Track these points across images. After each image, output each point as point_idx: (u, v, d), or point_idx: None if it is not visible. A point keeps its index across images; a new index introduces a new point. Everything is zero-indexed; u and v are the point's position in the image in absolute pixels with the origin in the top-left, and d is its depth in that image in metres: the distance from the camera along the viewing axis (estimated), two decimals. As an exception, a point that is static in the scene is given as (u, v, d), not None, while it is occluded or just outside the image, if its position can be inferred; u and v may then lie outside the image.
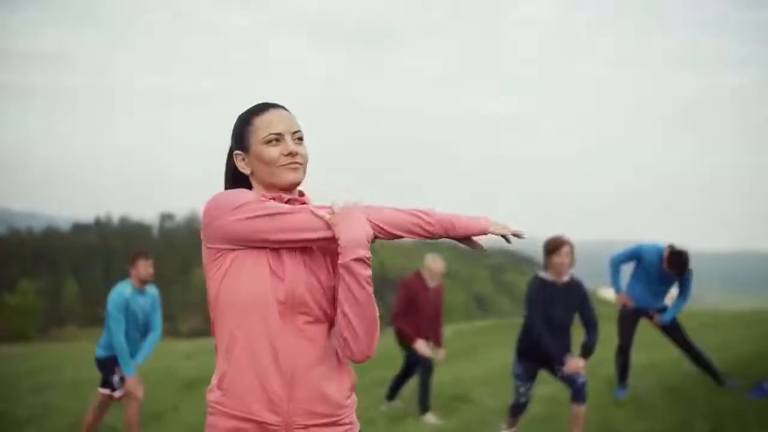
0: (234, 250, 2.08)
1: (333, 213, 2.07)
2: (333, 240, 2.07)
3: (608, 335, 6.72)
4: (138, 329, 6.32)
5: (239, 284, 2.07)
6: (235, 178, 2.24)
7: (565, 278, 5.42)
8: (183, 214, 77.94)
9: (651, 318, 6.98)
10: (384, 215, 2.11)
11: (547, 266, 5.41)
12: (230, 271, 2.08)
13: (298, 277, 2.09)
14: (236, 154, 2.21)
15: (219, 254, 2.09)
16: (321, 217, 2.06)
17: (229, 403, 2.09)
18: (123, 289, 6.22)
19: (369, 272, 2.05)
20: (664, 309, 6.97)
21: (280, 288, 2.07)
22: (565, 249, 5.32)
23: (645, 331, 7.44)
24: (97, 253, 69.09)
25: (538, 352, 5.39)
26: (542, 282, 5.42)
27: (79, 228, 77.93)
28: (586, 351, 5.37)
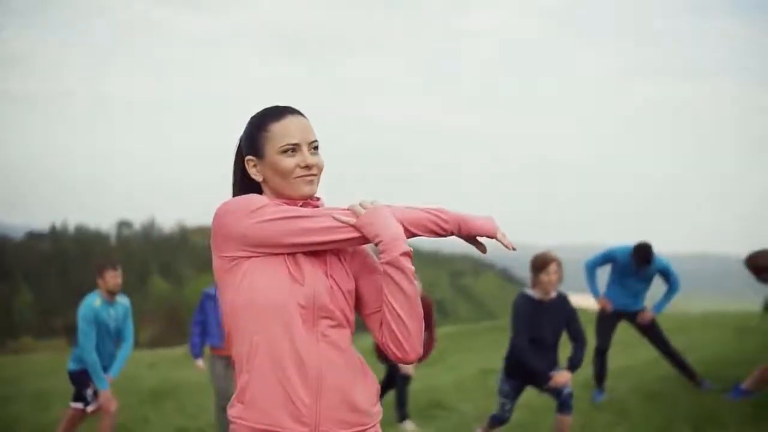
0: (250, 257, 1.99)
1: (358, 214, 2.01)
2: (359, 241, 2.02)
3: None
4: (111, 341, 6.17)
5: (257, 291, 1.98)
6: (245, 185, 2.15)
7: (552, 294, 5.35)
8: (141, 222, 77.01)
9: (633, 319, 6.99)
10: (405, 214, 2.07)
11: (534, 284, 5.32)
12: (247, 279, 1.99)
13: (318, 281, 2.02)
14: (248, 160, 2.12)
15: (234, 262, 2.01)
16: (344, 219, 2.01)
17: (253, 415, 1.99)
18: (91, 301, 6.06)
19: (413, 268, 2.00)
20: (642, 310, 6.98)
21: (301, 293, 1.99)
22: (553, 266, 5.24)
23: (620, 333, 7.47)
24: (51, 262, 67.79)
25: (524, 370, 5.33)
26: (529, 300, 5.32)
27: (33, 236, 76.37)
28: (573, 364, 5.32)
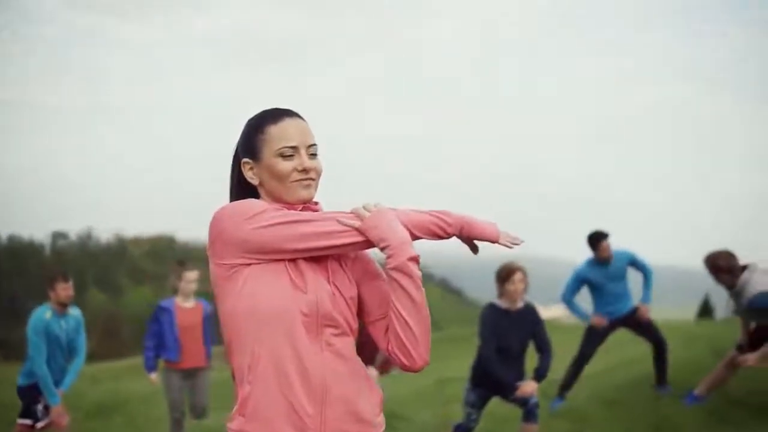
0: (250, 264, 1.92)
1: (362, 217, 1.96)
2: (363, 245, 1.97)
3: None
4: (62, 354, 5.99)
5: (259, 299, 1.91)
6: (242, 188, 2.09)
7: (519, 304, 5.37)
8: (76, 233, 75.22)
9: (628, 322, 7.01)
10: (409, 216, 2.03)
11: (501, 294, 5.34)
12: (247, 286, 1.92)
13: (321, 288, 1.96)
14: (244, 163, 2.06)
15: (233, 270, 1.93)
16: (348, 222, 1.96)
17: (255, 428, 1.91)
18: (42, 314, 5.88)
19: (421, 273, 1.96)
20: (635, 310, 7.00)
21: (304, 300, 1.92)
22: (518, 275, 5.26)
23: (573, 344, 7.53)
24: (-18, 273, 65.73)
25: (490, 380, 5.33)
26: (496, 310, 5.33)
27: (-37, 248, 73.95)
28: (539, 375, 5.33)
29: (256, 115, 2.08)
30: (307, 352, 1.91)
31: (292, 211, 1.97)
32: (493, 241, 2.11)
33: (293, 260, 1.95)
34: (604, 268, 6.91)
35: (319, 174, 2.04)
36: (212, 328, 6.91)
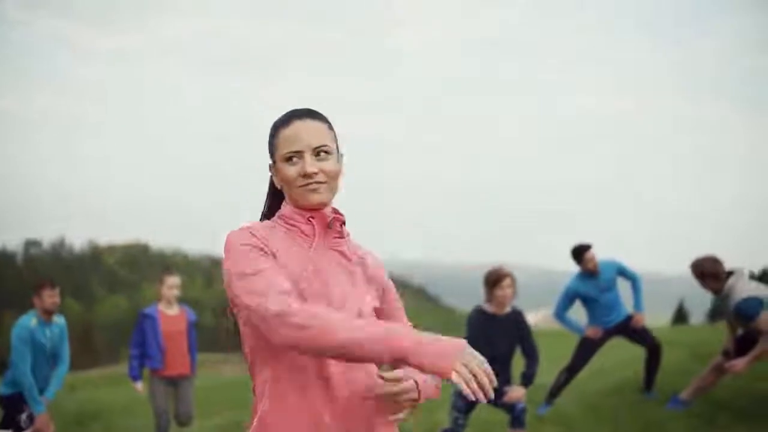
0: None
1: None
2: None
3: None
4: (47, 362, 5.92)
5: None
6: (273, 191, 2.07)
7: (507, 310, 5.40)
8: (49, 241, 74.40)
9: (623, 330, 7.04)
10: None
11: (489, 299, 5.37)
12: None
13: (345, 301, 1.93)
14: (269, 166, 2.03)
15: None
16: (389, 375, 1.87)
17: None
18: (27, 322, 5.81)
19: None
20: (628, 318, 7.04)
21: None
22: (507, 281, 5.29)
23: (557, 349, 7.59)
24: (-47, 282, 64.76)
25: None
26: (484, 314, 5.36)
27: (-67, 256, 72.85)
28: (527, 380, 5.36)
29: (279, 117, 2.03)
30: (330, 365, 1.87)
31: (251, 255, 1.86)
32: (443, 377, 1.70)
33: (315, 271, 1.91)
34: (593, 280, 6.96)
35: (330, 175, 1.94)
36: (197, 335, 6.88)
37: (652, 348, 7.01)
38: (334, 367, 1.88)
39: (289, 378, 1.87)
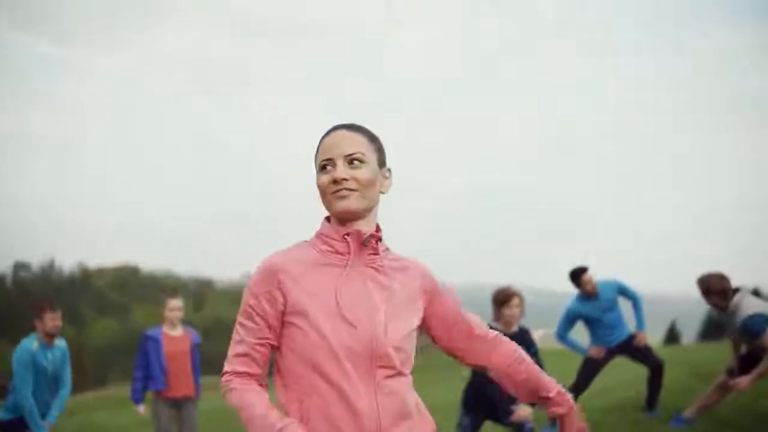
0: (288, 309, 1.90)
1: None
2: None
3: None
4: (48, 386, 5.89)
5: (308, 338, 1.85)
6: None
7: (514, 328, 5.41)
8: (39, 264, 73.85)
9: (625, 349, 7.05)
10: None
11: (497, 317, 5.39)
12: (294, 324, 1.88)
13: (377, 323, 1.89)
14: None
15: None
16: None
17: None
18: (28, 345, 5.78)
19: None
20: (631, 337, 7.05)
21: (355, 338, 1.86)
22: (515, 300, 5.32)
23: (555, 369, 7.58)
24: (-59, 305, 64.16)
25: (484, 404, 5.34)
26: None
27: None
28: None
29: None
30: (359, 394, 1.84)
31: (246, 316, 1.95)
32: None
33: (344, 293, 1.89)
34: (593, 301, 6.99)
35: (362, 183, 1.91)
36: (201, 357, 6.85)
37: (655, 367, 7.02)
38: (363, 394, 1.85)
39: (316, 404, 1.85)
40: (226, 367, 1.93)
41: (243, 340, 1.92)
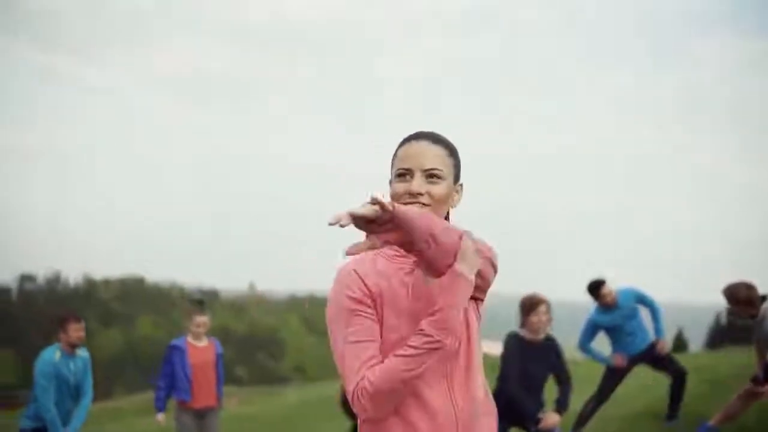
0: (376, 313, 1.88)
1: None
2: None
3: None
4: (70, 396, 5.92)
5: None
6: None
7: (541, 336, 5.42)
8: (44, 276, 73.89)
9: (646, 357, 7.07)
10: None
11: (524, 324, 5.40)
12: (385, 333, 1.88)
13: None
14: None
15: None
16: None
17: None
18: (51, 356, 5.81)
19: None
20: (652, 345, 7.07)
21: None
22: (542, 308, 5.33)
23: (583, 376, 7.56)
24: (-53, 317, 64.19)
25: (512, 411, 5.34)
26: (520, 340, 5.38)
27: (-74, 293, 72.22)
28: (561, 406, 5.37)
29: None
30: (432, 394, 1.86)
31: (346, 311, 1.87)
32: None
33: (416, 297, 1.89)
34: (613, 311, 7.01)
35: (435, 199, 1.92)
36: (224, 368, 6.86)
37: (677, 375, 7.02)
38: (439, 396, 1.88)
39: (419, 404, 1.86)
40: (351, 384, 1.81)
41: (360, 341, 1.83)
